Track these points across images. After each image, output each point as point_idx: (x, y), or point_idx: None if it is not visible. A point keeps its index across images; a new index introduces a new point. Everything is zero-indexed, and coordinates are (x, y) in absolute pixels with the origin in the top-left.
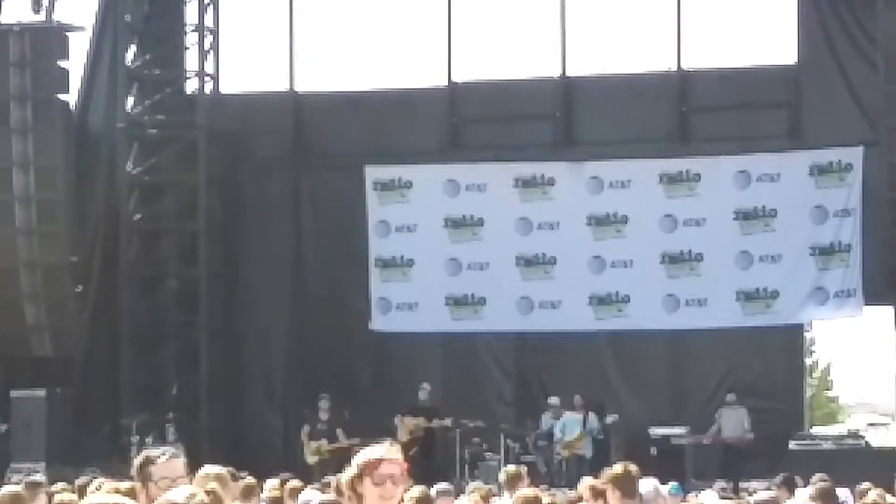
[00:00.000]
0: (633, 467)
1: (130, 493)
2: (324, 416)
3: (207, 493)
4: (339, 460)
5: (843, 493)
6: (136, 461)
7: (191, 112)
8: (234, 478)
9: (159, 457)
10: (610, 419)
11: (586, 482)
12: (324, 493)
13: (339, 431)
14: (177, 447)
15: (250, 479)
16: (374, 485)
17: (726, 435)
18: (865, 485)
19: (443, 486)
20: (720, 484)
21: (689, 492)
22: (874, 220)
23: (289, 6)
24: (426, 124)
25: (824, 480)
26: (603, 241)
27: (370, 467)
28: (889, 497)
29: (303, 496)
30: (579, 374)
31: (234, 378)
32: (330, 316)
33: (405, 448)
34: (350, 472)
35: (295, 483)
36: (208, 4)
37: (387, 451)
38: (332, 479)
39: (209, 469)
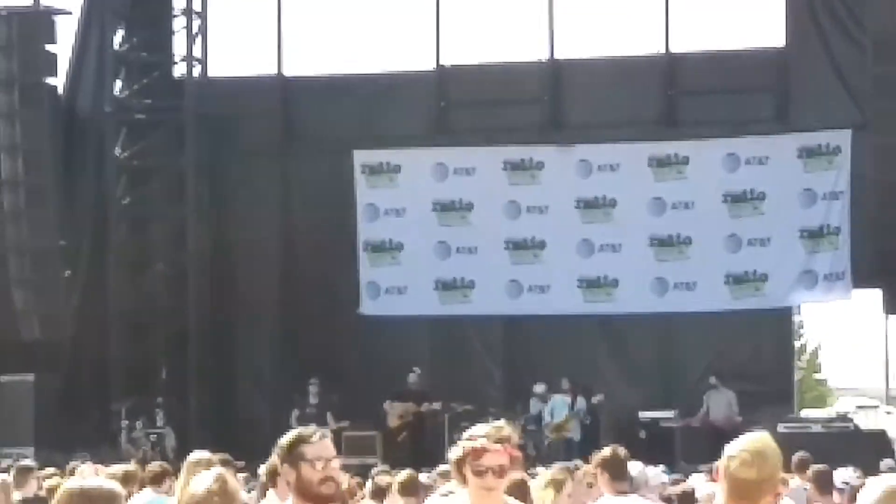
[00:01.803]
0: (621, 450)
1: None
2: (313, 400)
3: (218, 479)
4: None
5: (846, 473)
6: (285, 440)
7: (179, 96)
8: (228, 464)
9: (312, 436)
10: (596, 399)
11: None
12: None
13: (328, 415)
14: (166, 432)
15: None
16: (474, 475)
17: (714, 417)
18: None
19: (444, 468)
20: (709, 466)
21: (678, 474)
22: (863, 203)
23: None
24: (414, 108)
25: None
26: (591, 225)
27: (472, 455)
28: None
29: None
30: (568, 358)
31: (223, 362)
32: (319, 300)
33: (395, 433)
34: (455, 452)
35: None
36: None
37: (491, 440)
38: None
39: (199, 454)
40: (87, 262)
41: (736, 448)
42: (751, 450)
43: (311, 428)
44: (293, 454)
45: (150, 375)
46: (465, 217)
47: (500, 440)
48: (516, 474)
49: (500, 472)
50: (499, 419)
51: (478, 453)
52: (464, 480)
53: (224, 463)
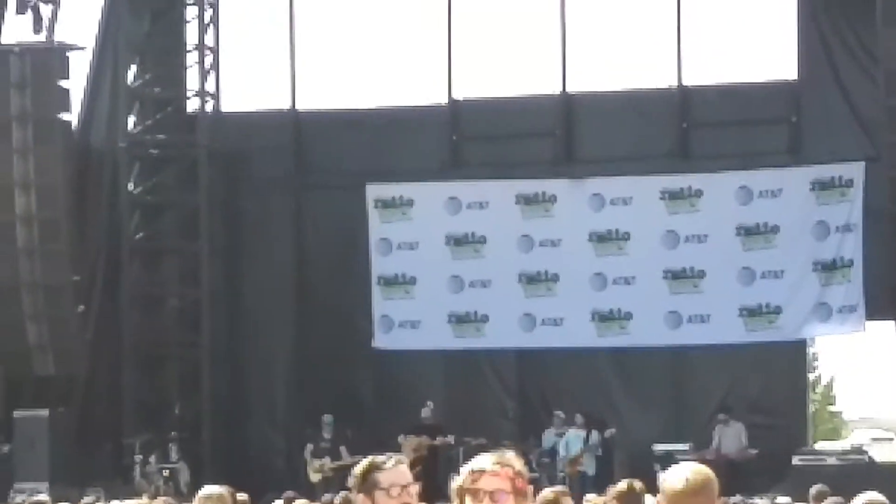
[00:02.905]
0: (637, 483)
1: None
2: (327, 434)
3: None
4: (341, 478)
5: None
6: (359, 468)
7: (192, 131)
8: (234, 497)
9: (386, 462)
10: (608, 433)
11: (589, 503)
12: None
13: (342, 450)
14: (179, 466)
15: (243, 496)
16: (472, 500)
17: (726, 451)
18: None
19: None
20: (724, 500)
21: None
22: (876, 236)
23: (289, 25)
24: (427, 142)
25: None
26: (605, 258)
27: (470, 479)
28: None
29: None
30: (582, 391)
31: (237, 397)
32: (332, 334)
33: (409, 466)
34: (457, 480)
35: (301, 501)
36: (209, 24)
37: (493, 462)
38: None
39: (209, 489)
40: (100, 298)
41: (673, 470)
42: (687, 468)
43: (386, 455)
44: (367, 482)
45: (164, 410)
46: (479, 251)
47: (500, 464)
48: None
49: (498, 497)
50: (511, 450)
51: (475, 476)
52: None
53: (231, 496)
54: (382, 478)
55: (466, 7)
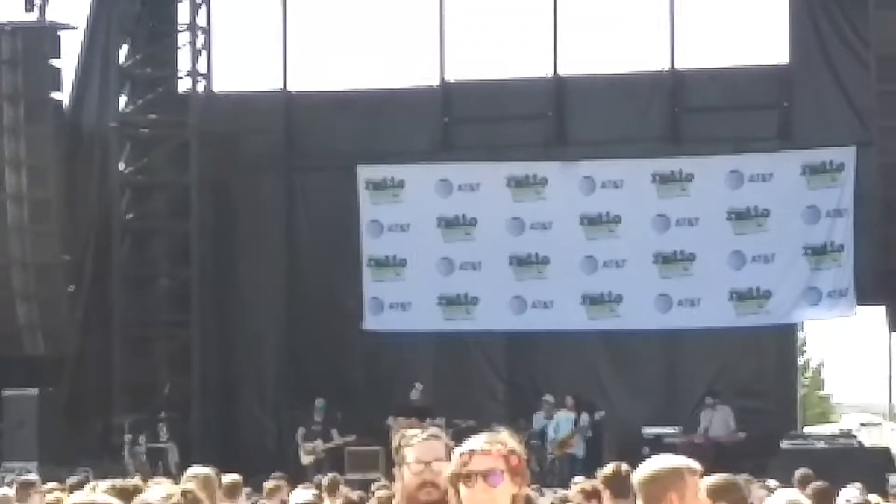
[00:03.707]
0: (624, 467)
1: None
2: (318, 417)
3: (184, 493)
4: (332, 460)
5: (850, 493)
6: (394, 441)
7: (183, 111)
8: (220, 478)
9: (415, 436)
10: (598, 416)
11: (577, 486)
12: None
13: (333, 432)
14: (169, 447)
15: (235, 477)
16: (463, 485)
17: (714, 435)
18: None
19: None
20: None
21: None
22: (866, 221)
23: (282, 5)
24: (418, 124)
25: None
26: (595, 241)
27: (460, 462)
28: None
29: (294, 495)
30: (572, 374)
31: (227, 378)
32: (322, 315)
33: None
34: (449, 467)
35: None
36: (200, 4)
37: (484, 442)
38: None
39: (196, 470)
40: (90, 277)
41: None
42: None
43: (418, 428)
44: (399, 457)
45: (154, 390)
46: (469, 233)
47: (491, 443)
48: (520, 489)
49: (491, 477)
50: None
51: (464, 459)
52: (459, 501)
53: (218, 476)
54: (409, 453)
55: None
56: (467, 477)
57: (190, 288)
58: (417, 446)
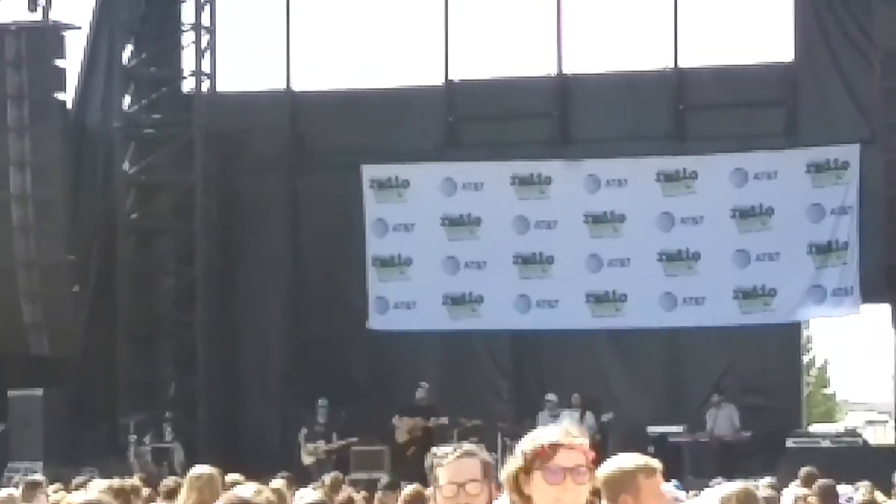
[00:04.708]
0: None
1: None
2: (321, 418)
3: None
4: (335, 461)
5: (846, 489)
6: (427, 461)
7: (187, 111)
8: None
9: (447, 455)
10: (605, 417)
11: None
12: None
13: (335, 435)
14: (174, 447)
15: (237, 477)
16: (547, 482)
17: (720, 433)
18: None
19: None
20: (718, 481)
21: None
22: (871, 218)
23: (285, 5)
24: (423, 123)
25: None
26: (600, 240)
27: (541, 457)
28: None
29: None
30: (577, 373)
31: (232, 377)
32: (327, 315)
33: (403, 448)
34: (513, 463)
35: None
36: (205, 3)
37: (565, 435)
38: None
39: (199, 469)
40: (95, 277)
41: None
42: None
43: (451, 446)
44: (432, 478)
45: (159, 390)
46: (474, 232)
47: (573, 436)
48: (592, 486)
49: (580, 474)
50: (509, 434)
51: (548, 453)
52: (525, 501)
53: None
54: (441, 474)
55: None
56: (552, 472)
57: (195, 287)
58: (449, 466)
